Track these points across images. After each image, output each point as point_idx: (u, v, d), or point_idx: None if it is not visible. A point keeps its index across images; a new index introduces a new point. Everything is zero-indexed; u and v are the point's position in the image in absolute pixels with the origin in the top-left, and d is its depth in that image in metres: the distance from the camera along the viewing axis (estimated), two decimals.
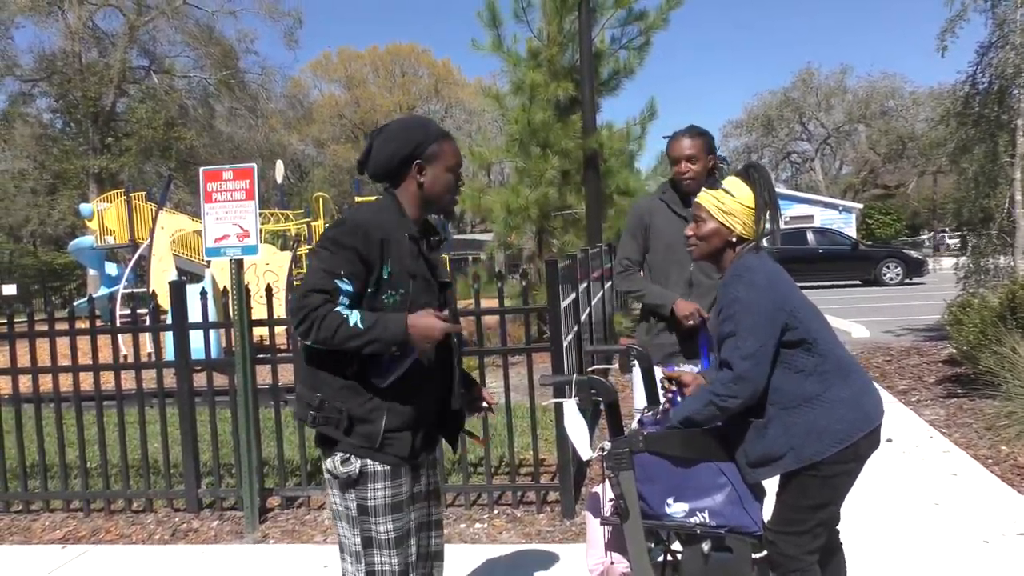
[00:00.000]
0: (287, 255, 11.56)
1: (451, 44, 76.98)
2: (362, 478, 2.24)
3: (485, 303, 4.68)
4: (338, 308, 2.14)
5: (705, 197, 2.49)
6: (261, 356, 4.85)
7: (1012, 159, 8.29)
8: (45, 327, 4.92)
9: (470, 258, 32.18)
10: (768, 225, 2.46)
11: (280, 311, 8.80)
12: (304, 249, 17.66)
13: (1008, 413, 5.51)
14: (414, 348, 2.18)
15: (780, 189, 40.61)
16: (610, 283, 8.79)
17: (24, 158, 29.05)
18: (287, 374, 5.62)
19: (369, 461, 2.23)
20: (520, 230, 11.37)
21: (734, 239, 2.45)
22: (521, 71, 10.86)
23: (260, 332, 8.05)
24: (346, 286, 2.17)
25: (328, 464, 2.27)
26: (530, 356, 4.64)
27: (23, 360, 5.04)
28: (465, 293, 8.55)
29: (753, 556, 2.38)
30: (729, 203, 2.43)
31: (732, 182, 2.46)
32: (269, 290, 4.76)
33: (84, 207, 18.05)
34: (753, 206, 2.42)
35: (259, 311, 5.01)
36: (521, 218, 10.73)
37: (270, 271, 10.72)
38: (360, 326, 2.12)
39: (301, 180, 44.96)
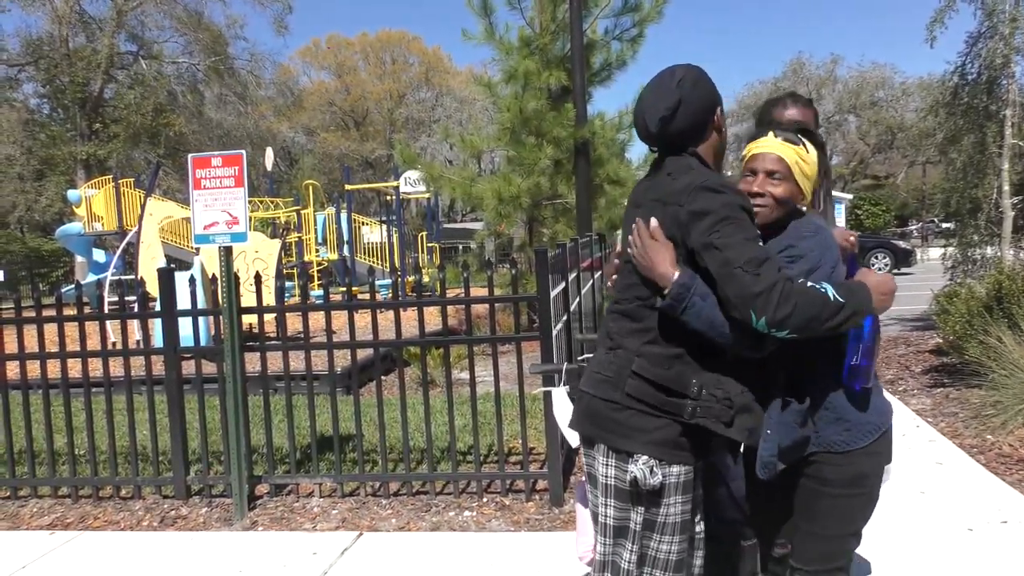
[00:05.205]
0: (276, 243, 11.51)
1: (442, 32, 76.73)
2: (661, 490, 1.89)
3: (475, 292, 4.68)
4: (802, 281, 1.79)
5: (786, 149, 2.05)
6: (250, 344, 4.84)
7: (1000, 149, 8.33)
8: (32, 314, 4.90)
9: (460, 247, 32.18)
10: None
11: (269, 299, 8.77)
12: (294, 237, 17.59)
13: (994, 403, 5.55)
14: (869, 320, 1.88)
15: None
16: (600, 272, 8.79)
17: (11, 144, 28.71)
18: (276, 362, 5.60)
19: (675, 470, 1.89)
20: (511, 219, 11.36)
21: (804, 209, 2.09)
22: (514, 59, 10.83)
23: (249, 320, 8.03)
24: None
25: (636, 472, 1.88)
26: (519, 345, 4.65)
27: (10, 346, 5.02)
28: (454, 281, 8.56)
29: (742, 543, 2.40)
30: (809, 166, 2.06)
31: (805, 142, 2.10)
32: (258, 277, 4.74)
33: (72, 193, 17.93)
34: (817, 175, 2.10)
35: (248, 299, 4.99)
36: (512, 207, 10.73)
37: (259, 259, 10.67)
38: (839, 298, 1.77)
39: (291, 167, 44.71)
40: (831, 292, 1.77)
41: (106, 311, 5.57)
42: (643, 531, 1.93)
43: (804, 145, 2.05)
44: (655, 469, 1.87)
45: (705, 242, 1.80)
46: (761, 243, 1.81)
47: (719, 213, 1.78)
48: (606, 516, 1.97)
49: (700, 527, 2.05)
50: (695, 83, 1.95)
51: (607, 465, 1.94)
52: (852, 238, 2.70)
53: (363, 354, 7.54)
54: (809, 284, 1.78)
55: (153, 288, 6.13)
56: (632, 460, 1.89)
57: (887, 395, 6.85)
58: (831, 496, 2.07)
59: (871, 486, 2.11)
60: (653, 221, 1.90)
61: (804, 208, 2.12)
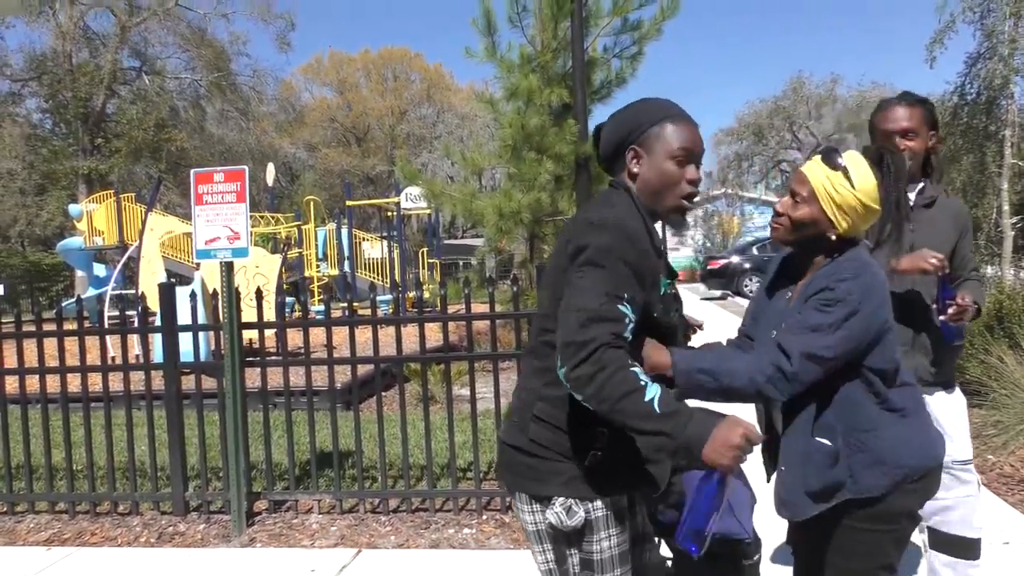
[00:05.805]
0: (277, 258, 11.53)
1: (444, 49, 77.18)
2: (587, 528, 1.81)
3: (476, 308, 4.68)
4: (635, 368, 1.61)
5: (815, 172, 1.94)
6: (250, 359, 4.83)
7: (1000, 169, 8.37)
8: (32, 328, 4.90)
9: (461, 263, 32.22)
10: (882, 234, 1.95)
11: (269, 314, 8.77)
12: (294, 253, 17.60)
13: (995, 422, 5.54)
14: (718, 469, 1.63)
15: (771, 197, 40.82)
16: None
17: (12, 158, 28.81)
18: (276, 377, 5.58)
19: (598, 504, 1.80)
20: (511, 235, 11.38)
21: (833, 237, 1.93)
22: (515, 77, 10.88)
23: (250, 335, 8.02)
24: (629, 312, 1.66)
25: (551, 517, 1.81)
26: (520, 362, 4.64)
27: (10, 361, 5.01)
28: (455, 297, 8.56)
29: (744, 562, 2.38)
30: (843, 194, 1.89)
31: (857, 167, 1.91)
32: (259, 293, 4.74)
33: (73, 208, 17.97)
34: (873, 206, 1.90)
35: (249, 314, 4.99)
36: (513, 222, 10.74)
37: (260, 274, 10.67)
38: (656, 408, 1.57)
39: (292, 183, 44.84)
40: (655, 394, 1.58)
41: (106, 325, 5.56)
42: (582, 571, 1.85)
43: (846, 172, 1.90)
44: (574, 507, 1.80)
45: (568, 279, 1.71)
46: (622, 306, 1.65)
47: (591, 255, 1.67)
48: (546, 562, 1.90)
49: (650, 556, 2.00)
50: (621, 112, 1.90)
51: (532, 512, 1.86)
52: (934, 260, 2.39)
53: (363, 370, 7.52)
54: (636, 372, 1.61)
55: (154, 303, 6.13)
56: (550, 505, 1.82)
57: None
58: (860, 530, 1.94)
59: (904, 524, 1.95)
60: None
61: (835, 235, 1.94)
